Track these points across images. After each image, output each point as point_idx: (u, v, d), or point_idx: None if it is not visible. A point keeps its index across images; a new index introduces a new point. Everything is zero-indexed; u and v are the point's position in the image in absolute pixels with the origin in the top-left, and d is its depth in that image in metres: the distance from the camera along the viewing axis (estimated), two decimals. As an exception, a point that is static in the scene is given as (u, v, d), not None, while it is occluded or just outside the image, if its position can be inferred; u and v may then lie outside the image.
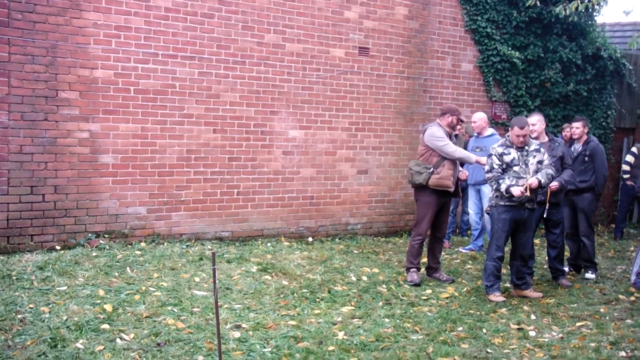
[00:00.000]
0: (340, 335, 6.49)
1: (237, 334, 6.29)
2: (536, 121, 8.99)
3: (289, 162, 11.00)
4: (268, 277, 8.43)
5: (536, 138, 8.90)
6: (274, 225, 10.95)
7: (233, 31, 10.35)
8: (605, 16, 46.82)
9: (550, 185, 8.61)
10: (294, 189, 11.11)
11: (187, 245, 9.73)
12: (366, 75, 11.70)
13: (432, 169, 8.65)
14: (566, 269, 9.65)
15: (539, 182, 8.01)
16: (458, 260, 10.36)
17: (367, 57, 11.68)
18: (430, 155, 8.73)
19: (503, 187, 7.97)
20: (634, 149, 13.31)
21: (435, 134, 8.75)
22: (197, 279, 8.06)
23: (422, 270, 9.11)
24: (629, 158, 13.20)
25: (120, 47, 9.51)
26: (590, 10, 13.59)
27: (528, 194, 7.94)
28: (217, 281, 5.02)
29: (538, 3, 11.57)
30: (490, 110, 13.22)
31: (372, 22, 11.70)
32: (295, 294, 7.80)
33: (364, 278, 8.82)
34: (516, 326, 7.15)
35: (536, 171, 8.12)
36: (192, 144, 10.12)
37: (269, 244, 10.38)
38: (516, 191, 7.90)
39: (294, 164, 11.06)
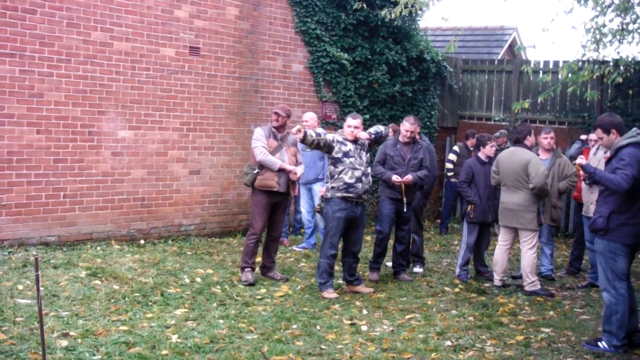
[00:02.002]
0: (174, 338, 6.40)
1: (64, 343, 6.05)
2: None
3: (118, 163, 10.70)
4: (98, 281, 8.18)
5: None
6: (104, 228, 10.61)
7: (57, 28, 9.94)
8: (427, 21, 48.87)
9: (404, 178, 9.07)
10: (124, 191, 10.82)
11: (10, 252, 9.26)
12: (197, 75, 11.59)
13: (256, 170, 8.76)
14: (389, 264, 9.96)
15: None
16: (292, 259, 10.48)
17: (198, 57, 11.57)
18: None
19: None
20: (456, 148, 13.91)
21: (254, 135, 8.94)
22: (20, 287, 7.66)
23: (257, 269, 9.14)
24: (452, 156, 13.78)
25: None
26: (413, 15, 14.14)
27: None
28: (42, 288, 4.81)
29: (365, 6, 11.89)
30: (321, 110, 13.45)
31: (203, 22, 11.60)
32: (126, 298, 7.61)
33: (198, 279, 8.74)
34: (349, 321, 7.33)
35: (368, 162, 8.46)
36: (13, 145, 9.62)
37: (98, 248, 10.07)
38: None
39: (124, 165, 10.78)
